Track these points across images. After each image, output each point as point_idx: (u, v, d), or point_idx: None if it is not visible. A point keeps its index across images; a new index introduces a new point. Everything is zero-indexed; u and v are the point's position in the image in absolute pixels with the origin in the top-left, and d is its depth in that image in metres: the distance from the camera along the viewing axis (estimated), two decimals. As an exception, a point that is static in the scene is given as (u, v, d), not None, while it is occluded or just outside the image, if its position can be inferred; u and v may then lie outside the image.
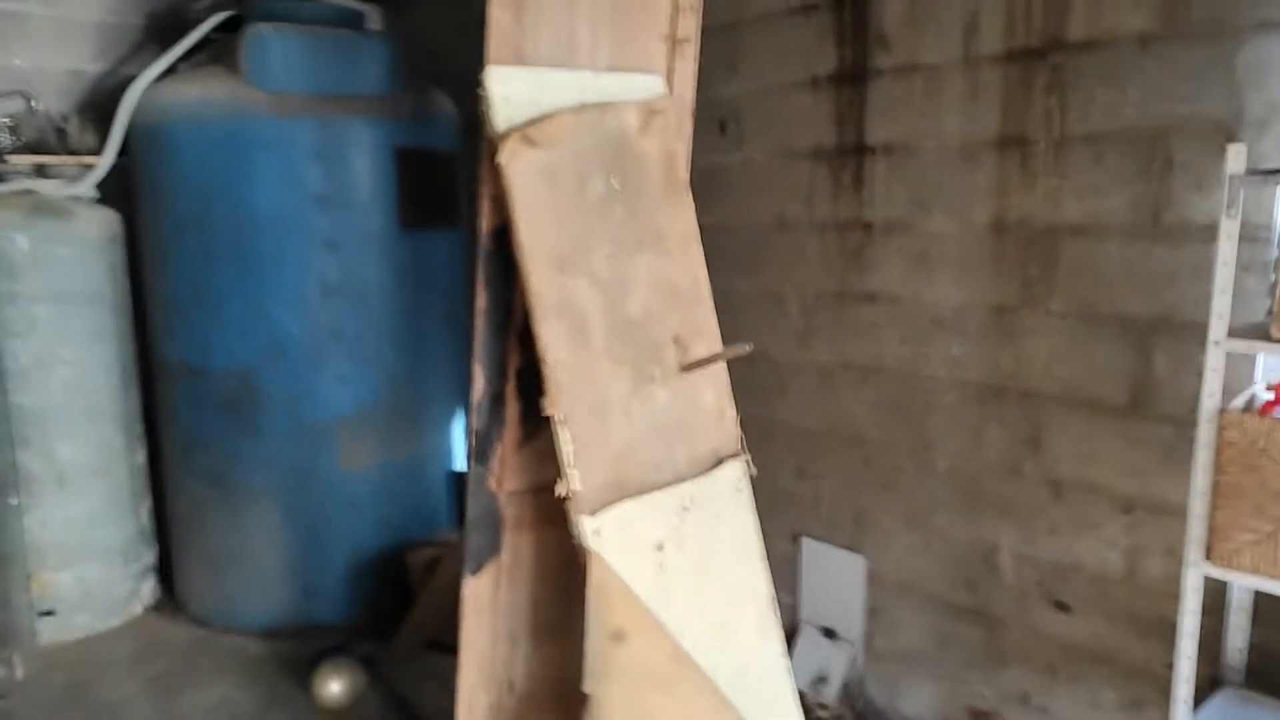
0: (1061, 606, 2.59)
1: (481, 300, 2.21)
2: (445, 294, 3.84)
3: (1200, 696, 2.18)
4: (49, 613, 3.62)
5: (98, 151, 3.77)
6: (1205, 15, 2.17)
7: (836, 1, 2.92)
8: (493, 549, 2.28)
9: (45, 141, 3.76)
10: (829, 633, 3.21)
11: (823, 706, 3.13)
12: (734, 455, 2.34)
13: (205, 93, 3.42)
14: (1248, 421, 1.92)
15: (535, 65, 2.20)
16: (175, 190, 3.48)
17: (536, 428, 2.32)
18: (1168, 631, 2.39)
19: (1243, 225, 2.02)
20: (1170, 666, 2.30)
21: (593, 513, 2.02)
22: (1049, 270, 2.51)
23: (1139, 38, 2.28)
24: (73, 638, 3.67)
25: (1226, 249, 1.94)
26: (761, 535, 2.38)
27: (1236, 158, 1.93)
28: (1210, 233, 2.19)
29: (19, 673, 3.36)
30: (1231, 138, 2.15)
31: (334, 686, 3.10)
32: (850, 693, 3.14)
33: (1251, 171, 1.96)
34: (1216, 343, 1.97)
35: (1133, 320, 2.37)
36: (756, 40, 3.18)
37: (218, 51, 3.65)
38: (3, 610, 3.38)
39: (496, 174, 2.13)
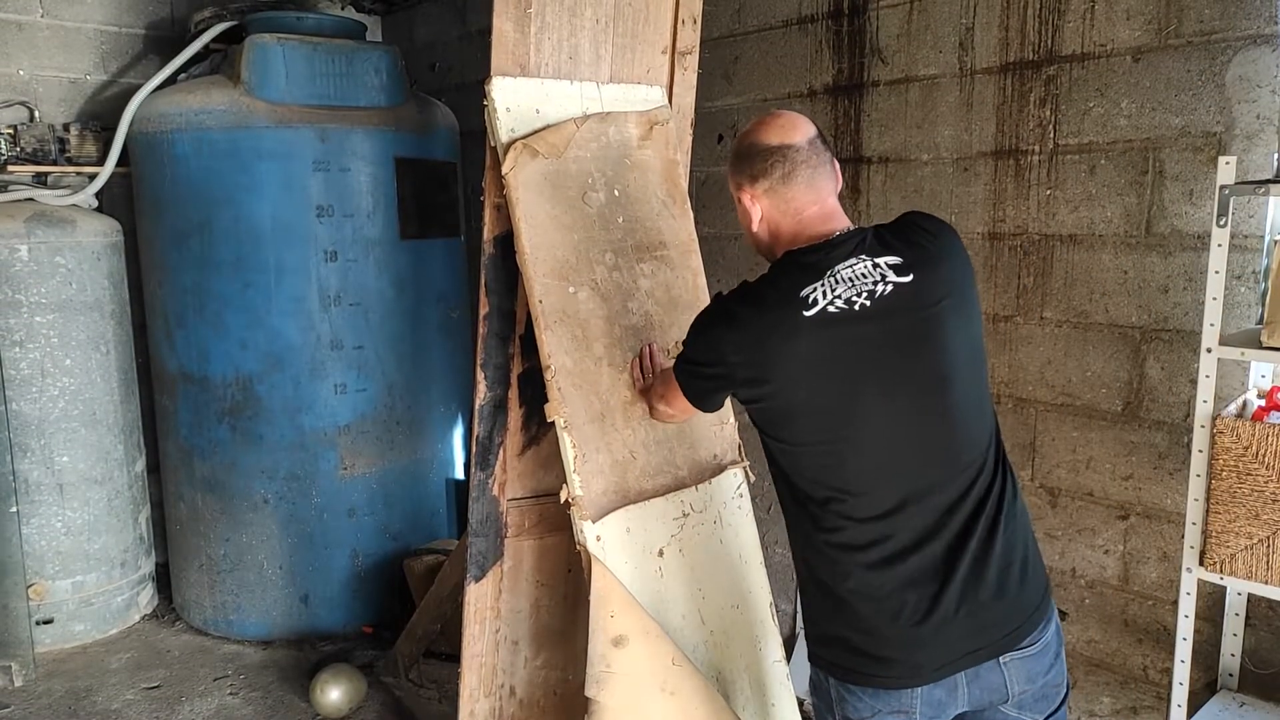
0: (1058, 613, 2.61)
1: (484, 307, 2.23)
2: (445, 303, 3.86)
3: (1196, 702, 2.20)
4: (48, 621, 3.62)
5: (98, 161, 3.79)
6: (1197, 28, 2.21)
7: (834, 15, 2.96)
8: (495, 555, 2.30)
9: (46, 151, 3.78)
10: (827, 639, 3.22)
11: (821, 713, 3.14)
12: (734, 462, 2.35)
13: (206, 103, 3.44)
14: (1241, 428, 1.94)
15: (538, 76, 2.23)
16: (175, 199, 3.50)
17: (538, 434, 2.34)
18: (1164, 637, 2.41)
19: (1233, 234, 2.06)
20: (1166, 672, 2.32)
21: (595, 519, 2.04)
22: (1043, 279, 2.55)
23: (1132, 50, 2.32)
24: (71, 646, 3.67)
25: (1218, 258, 1.98)
26: (761, 542, 2.40)
27: (1227, 169, 1.96)
28: (1202, 242, 2.22)
29: (17, 681, 3.35)
30: (1222, 149, 2.19)
31: (334, 694, 3.10)
32: (848, 699, 3.15)
33: (1242, 182, 1.99)
34: (1209, 350, 2.00)
35: (1126, 328, 2.40)
36: (755, 52, 3.22)
37: (219, 62, 3.67)
38: (1, 618, 3.38)
39: (499, 183, 2.15)
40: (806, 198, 1.61)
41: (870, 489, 1.52)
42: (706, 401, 1.78)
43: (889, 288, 1.50)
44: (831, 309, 1.49)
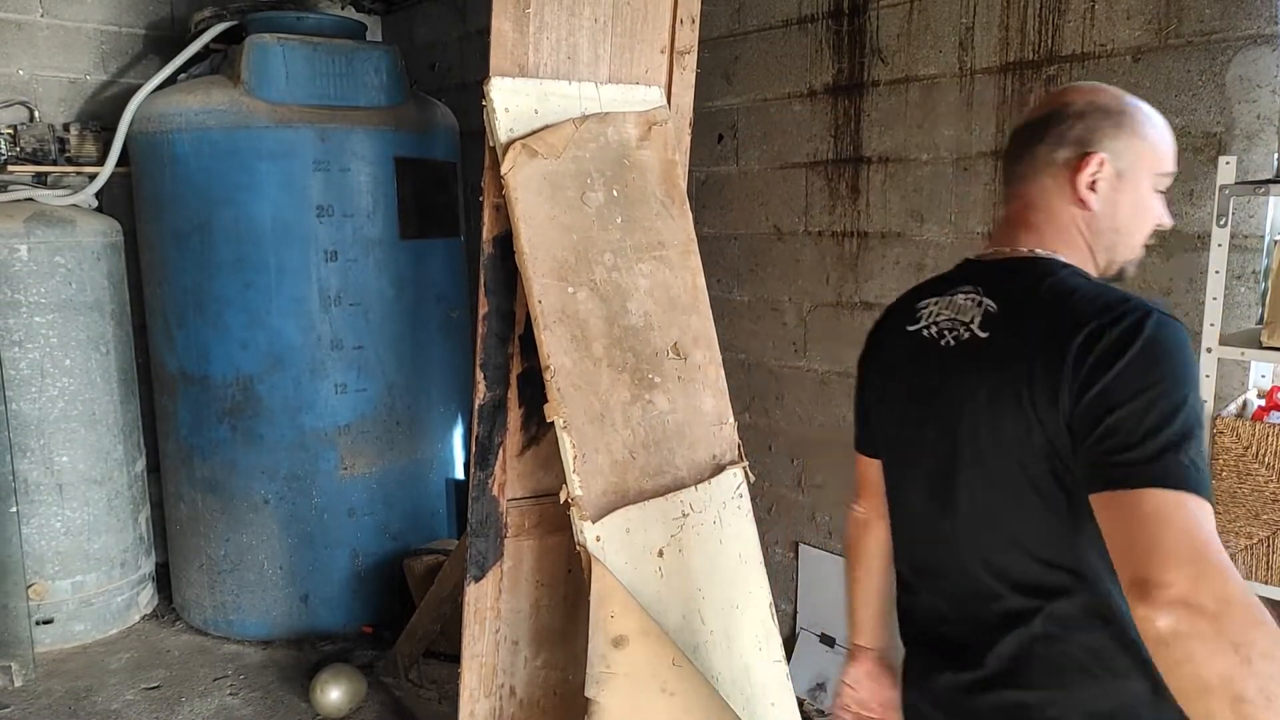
0: None
1: (484, 308, 2.23)
2: (445, 303, 3.86)
3: (1195, 701, 2.19)
4: (48, 621, 3.62)
5: (98, 161, 3.80)
6: (1197, 29, 2.20)
7: (834, 14, 2.96)
8: (495, 555, 2.30)
9: (46, 151, 3.78)
10: (827, 640, 3.23)
11: (821, 713, 3.15)
12: (733, 462, 2.35)
13: (206, 102, 3.44)
14: (1241, 428, 1.94)
15: (537, 76, 2.23)
16: (175, 199, 3.50)
17: (537, 434, 2.34)
18: (1163, 637, 2.41)
19: (1233, 234, 2.06)
20: (1166, 671, 2.31)
21: (594, 519, 2.04)
22: (1044, 279, 2.54)
23: (1132, 50, 2.32)
24: (71, 646, 3.67)
25: (1218, 258, 1.97)
26: (761, 542, 2.40)
27: (1227, 169, 1.96)
28: (1202, 242, 2.22)
29: (17, 681, 3.35)
30: (1222, 149, 2.19)
31: (334, 694, 3.10)
32: (848, 699, 3.15)
33: (1242, 182, 1.99)
34: (1209, 350, 2.00)
35: (1127, 328, 2.40)
36: (755, 52, 3.22)
37: (219, 62, 3.67)
38: (1, 618, 3.38)
39: (498, 183, 2.15)
40: (1005, 195, 1.35)
41: (901, 534, 1.40)
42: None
43: (965, 335, 1.25)
44: (925, 334, 1.30)
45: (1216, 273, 1.98)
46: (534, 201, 2.14)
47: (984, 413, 1.20)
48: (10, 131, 3.74)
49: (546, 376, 2.08)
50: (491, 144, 2.17)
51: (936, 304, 1.31)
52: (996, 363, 1.20)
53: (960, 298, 1.28)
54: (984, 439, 1.21)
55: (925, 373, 1.29)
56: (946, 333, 1.27)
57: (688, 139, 2.57)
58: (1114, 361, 1.07)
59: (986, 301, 1.24)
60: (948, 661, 1.30)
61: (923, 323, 1.31)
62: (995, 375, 1.19)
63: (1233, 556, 1.98)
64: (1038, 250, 1.26)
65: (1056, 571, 1.18)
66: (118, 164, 3.75)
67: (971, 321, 1.24)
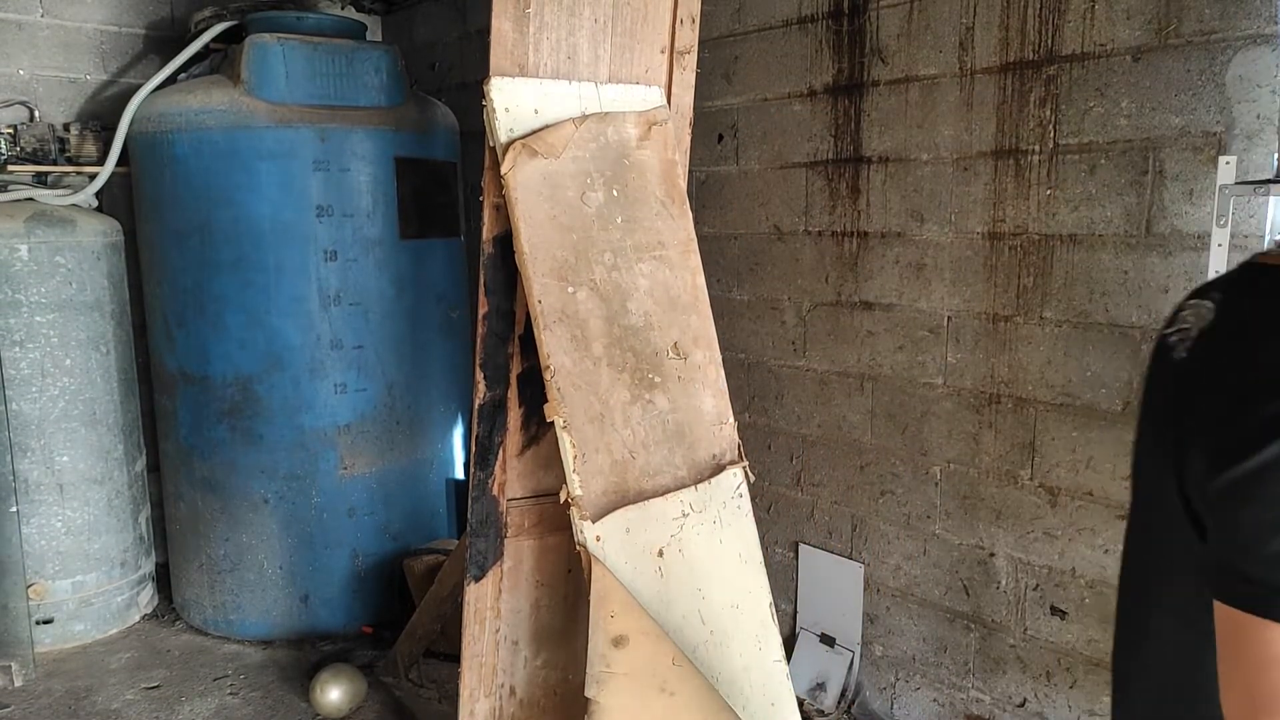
0: (1058, 612, 2.61)
1: (483, 308, 2.23)
2: (445, 302, 3.86)
3: (1195, 701, 2.19)
4: (48, 621, 3.62)
5: (98, 161, 3.80)
6: (1197, 28, 2.20)
7: (834, 14, 2.96)
8: (494, 555, 2.30)
9: (46, 150, 3.78)
10: (827, 639, 3.23)
11: (821, 713, 3.15)
12: (733, 462, 2.35)
13: (206, 102, 3.44)
14: (1240, 428, 1.93)
15: (537, 76, 2.23)
16: (175, 199, 3.50)
17: (537, 434, 2.34)
18: (1163, 636, 2.41)
19: (1233, 234, 2.06)
20: (1165, 671, 2.31)
21: (594, 519, 2.04)
22: (1043, 279, 2.54)
23: (1132, 50, 2.32)
24: (71, 646, 3.67)
25: (1218, 258, 1.98)
26: (761, 542, 2.40)
27: (1227, 169, 1.96)
28: (1202, 242, 2.22)
29: (17, 681, 3.35)
30: (1222, 149, 2.19)
31: (334, 694, 3.10)
32: (848, 699, 3.15)
33: (1242, 182, 1.99)
34: (1209, 350, 1.99)
35: (1126, 328, 2.40)
36: (755, 52, 3.22)
37: (219, 62, 3.67)
38: (1, 618, 3.38)
39: (498, 183, 2.15)
40: None
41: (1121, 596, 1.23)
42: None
43: (1184, 351, 1.02)
44: (1168, 340, 1.07)
45: (1216, 272, 1.98)
46: (534, 201, 2.15)
47: (1157, 452, 1.02)
48: (10, 131, 3.74)
49: (546, 376, 2.08)
50: (491, 144, 2.17)
51: (1190, 307, 1.07)
52: (1178, 392, 1.01)
53: (1205, 303, 1.04)
54: (1154, 489, 1.01)
55: (1155, 387, 1.10)
56: (1179, 344, 1.04)
57: (688, 139, 2.57)
58: (1269, 438, 0.81)
59: (1210, 318, 1.01)
60: None
61: (1173, 327, 1.08)
62: (1171, 406, 1.02)
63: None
64: None
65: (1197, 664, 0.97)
66: (118, 164, 3.75)
67: (1190, 335, 1.02)
